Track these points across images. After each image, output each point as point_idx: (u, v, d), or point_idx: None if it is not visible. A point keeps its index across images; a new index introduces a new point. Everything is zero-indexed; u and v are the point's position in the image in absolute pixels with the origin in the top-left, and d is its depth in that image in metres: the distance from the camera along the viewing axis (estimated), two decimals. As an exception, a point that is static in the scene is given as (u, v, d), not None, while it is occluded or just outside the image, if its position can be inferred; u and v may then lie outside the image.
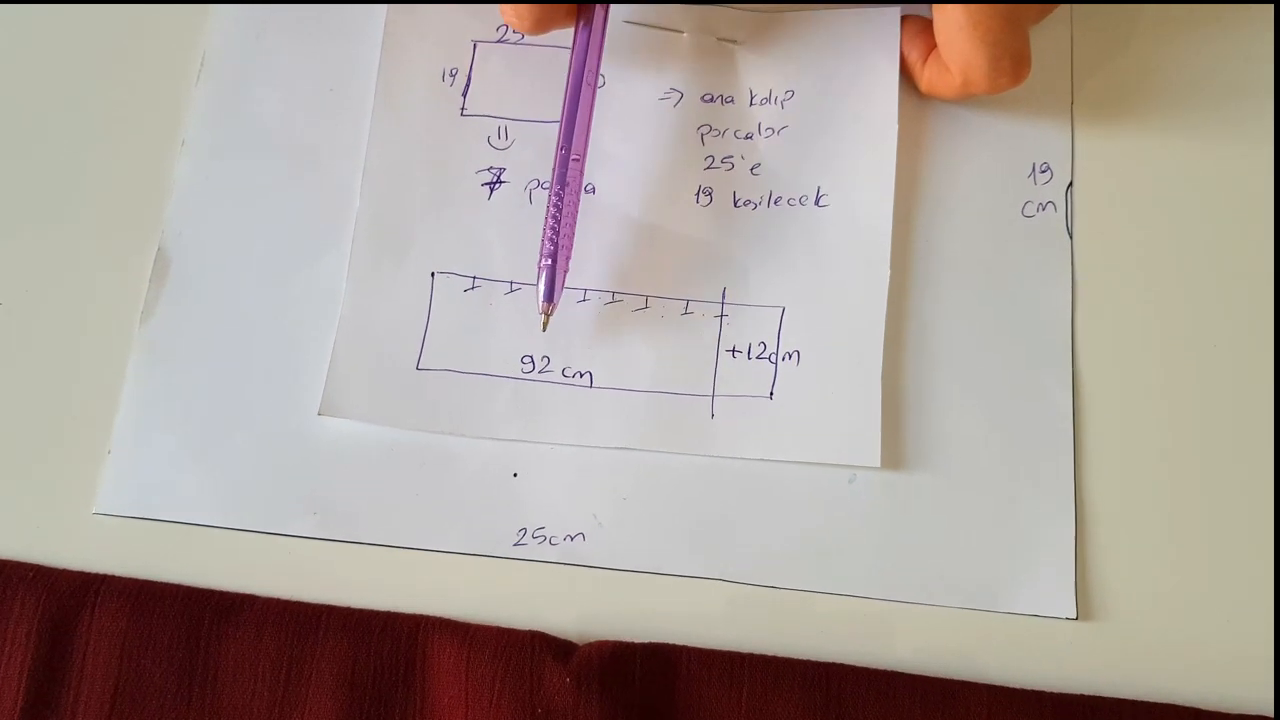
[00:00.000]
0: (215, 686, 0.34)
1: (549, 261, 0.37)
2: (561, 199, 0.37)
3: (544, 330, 0.37)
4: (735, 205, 0.40)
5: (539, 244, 0.38)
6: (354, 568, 0.36)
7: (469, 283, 0.39)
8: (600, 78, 0.41)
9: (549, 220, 0.38)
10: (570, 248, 0.38)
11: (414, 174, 0.40)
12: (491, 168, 0.40)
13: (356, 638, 0.34)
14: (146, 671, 0.34)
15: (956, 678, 0.34)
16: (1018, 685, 0.34)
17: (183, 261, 0.39)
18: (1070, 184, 0.41)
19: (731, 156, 0.41)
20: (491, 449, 0.37)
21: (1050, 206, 0.40)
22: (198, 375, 0.38)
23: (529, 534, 0.36)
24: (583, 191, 0.40)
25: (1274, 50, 0.39)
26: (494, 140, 0.41)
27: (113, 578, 0.35)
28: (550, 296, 0.37)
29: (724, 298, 0.39)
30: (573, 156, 0.38)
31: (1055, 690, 0.35)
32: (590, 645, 0.34)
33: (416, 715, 0.34)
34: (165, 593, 0.35)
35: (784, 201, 0.40)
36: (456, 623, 0.35)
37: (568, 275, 0.38)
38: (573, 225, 0.38)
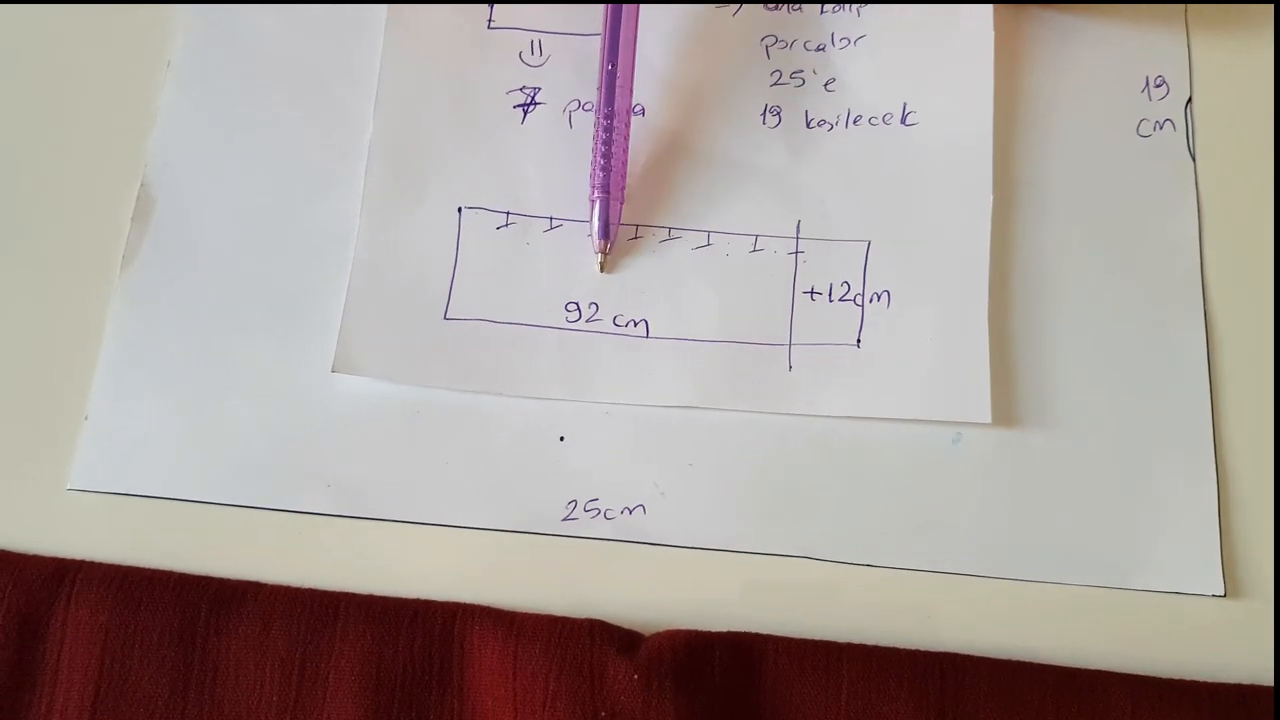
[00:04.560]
0: (214, 690, 0.30)
1: (602, 193, 0.34)
2: (611, 121, 0.34)
3: (602, 270, 0.34)
4: (808, 126, 0.36)
5: (584, 173, 0.35)
6: (376, 549, 0.33)
7: (502, 219, 0.35)
8: (648, -16, 0.37)
9: (598, 146, 0.34)
10: (624, 176, 0.35)
11: (435, 97, 0.36)
12: (524, 87, 0.37)
13: (382, 630, 0.31)
14: (133, 673, 0.30)
15: (1087, 665, 0.31)
16: (1161, 674, 0.31)
17: (169, 198, 0.36)
18: (1189, 99, 0.37)
19: (802, 71, 0.37)
20: (534, 410, 0.34)
21: (1168, 124, 0.36)
22: (188, 328, 0.34)
23: (580, 507, 0.33)
24: (633, 114, 0.36)
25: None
26: (526, 56, 0.37)
27: (91, 564, 0.31)
28: (606, 233, 0.34)
29: (799, 232, 0.35)
30: (619, 71, 0.34)
31: (1203, 679, 0.31)
32: (660, 635, 0.31)
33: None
34: (153, 580, 0.31)
35: (865, 121, 0.36)
36: (500, 611, 0.31)
37: (623, 206, 0.34)
38: (625, 150, 0.35)
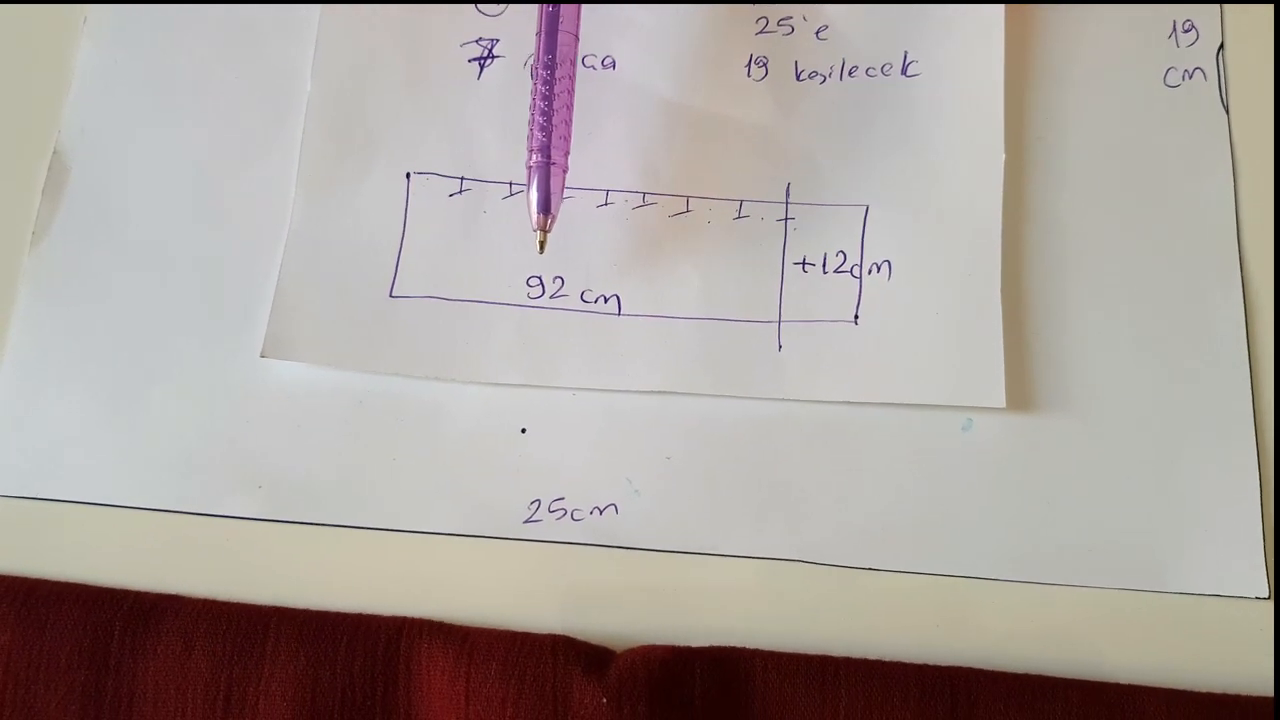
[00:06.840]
0: (130, 717, 0.28)
1: (541, 158, 0.31)
2: (553, 72, 0.31)
3: (541, 252, 0.31)
4: (798, 78, 0.34)
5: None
6: (312, 557, 0.31)
7: (455, 185, 0.33)
8: (618, -77, 0.35)
9: (536, 102, 0.31)
10: (568, 139, 0.32)
11: (381, 50, 0.34)
12: (481, 39, 0.34)
13: (317, 649, 0.28)
14: (37, 700, 0.28)
15: (1118, 679, 0.28)
16: (1200, 686, 0.28)
17: (85, 168, 0.34)
18: (1221, 45, 0.34)
19: (790, 17, 0.35)
20: (491, 398, 0.32)
21: (1198, 74, 0.34)
22: (105, 312, 0.32)
23: (544, 507, 0.31)
24: (602, 66, 0.34)
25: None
26: (483, 5, 0.35)
27: (-9, 577, 0.29)
28: (546, 206, 0.31)
29: (788, 196, 0.33)
30: (563, 12, 0.31)
31: (1247, 692, 0.28)
32: (632, 652, 0.28)
33: (400, 752, 0.28)
34: (61, 594, 0.29)
35: (861, 72, 0.34)
36: (451, 626, 0.29)
37: (567, 174, 0.31)
38: (569, 109, 0.32)
